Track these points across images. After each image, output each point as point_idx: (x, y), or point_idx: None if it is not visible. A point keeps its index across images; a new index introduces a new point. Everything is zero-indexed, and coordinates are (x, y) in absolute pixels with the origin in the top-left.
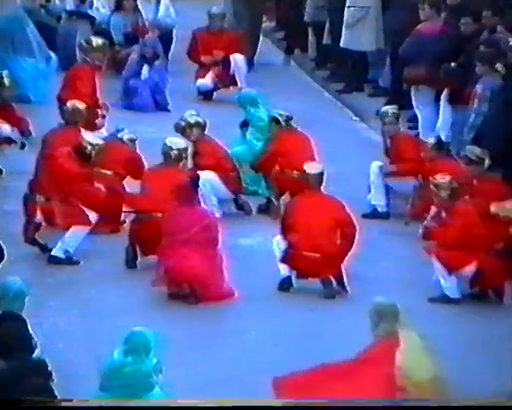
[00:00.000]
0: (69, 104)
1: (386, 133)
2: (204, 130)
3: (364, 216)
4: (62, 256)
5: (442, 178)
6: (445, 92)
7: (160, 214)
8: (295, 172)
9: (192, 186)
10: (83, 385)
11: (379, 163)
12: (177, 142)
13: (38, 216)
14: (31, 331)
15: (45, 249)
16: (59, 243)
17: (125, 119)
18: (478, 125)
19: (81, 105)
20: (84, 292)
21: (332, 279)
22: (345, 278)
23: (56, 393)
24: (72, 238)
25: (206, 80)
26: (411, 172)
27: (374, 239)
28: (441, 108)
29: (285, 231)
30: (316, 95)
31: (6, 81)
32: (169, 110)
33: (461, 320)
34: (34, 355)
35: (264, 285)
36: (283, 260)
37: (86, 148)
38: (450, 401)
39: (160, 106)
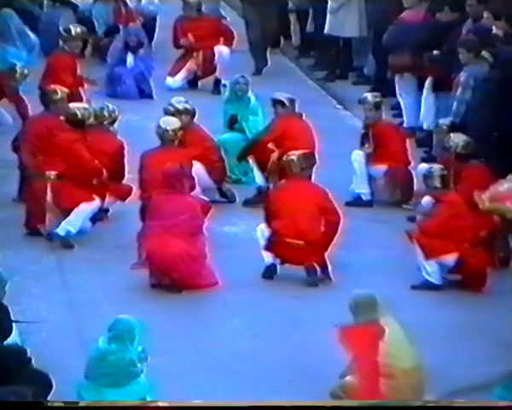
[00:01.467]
0: (50, 88)
1: (365, 120)
2: (193, 117)
3: (348, 204)
4: (62, 235)
5: (431, 167)
6: (428, 80)
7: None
8: None
9: (183, 173)
10: (67, 374)
11: (360, 152)
12: (172, 122)
13: (48, 195)
14: (12, 319)
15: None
16: (62, 223)
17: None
18: (461, 113)
19: (62, 89)
20: (68, 280)
21: (316, 267)
22: (329, 265)
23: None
24: (76, 217)
25: (177, 79)
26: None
27: (357, 227)
28: (424, 97)
29: (269, 219)
30: (300, 83)
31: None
32: (153, 98)
33: (444, 307)
34: (11, 341)
35: (248, 273)
36: (267, 247)
37: (77, 114)
38: (451, 402)
39: (145, 94)
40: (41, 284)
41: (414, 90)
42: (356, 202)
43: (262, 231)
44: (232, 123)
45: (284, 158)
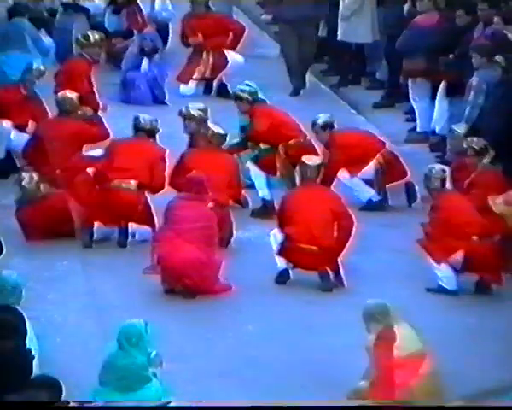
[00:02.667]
0: (60, 94)
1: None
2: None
3: (362, 209)
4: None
5: (432, 168)
6: (442, 85)
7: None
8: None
9: (205, 183)
10: (82, 379)
11: (347, 174)
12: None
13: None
14: (28, 325)
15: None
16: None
17: (122, 112)
18: (474, 118)
19: (72, 94)
20: (82, 285)
21: (329, 272)
22: (341, 271)
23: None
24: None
25: (190, 86)
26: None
27: (370, 232)
28: (437, 101)
29: (282, 224)
30: (312, 88)
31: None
32: (166, 104)
33: (458, 312)
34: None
35: (262, 278)
36: (280, 252)
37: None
38: (451, 402)
39: (158, 100)
40: (55, 290)
41: (427, 95)
42: (368, 206)
43: (275, 236)
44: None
45: (299, 164)
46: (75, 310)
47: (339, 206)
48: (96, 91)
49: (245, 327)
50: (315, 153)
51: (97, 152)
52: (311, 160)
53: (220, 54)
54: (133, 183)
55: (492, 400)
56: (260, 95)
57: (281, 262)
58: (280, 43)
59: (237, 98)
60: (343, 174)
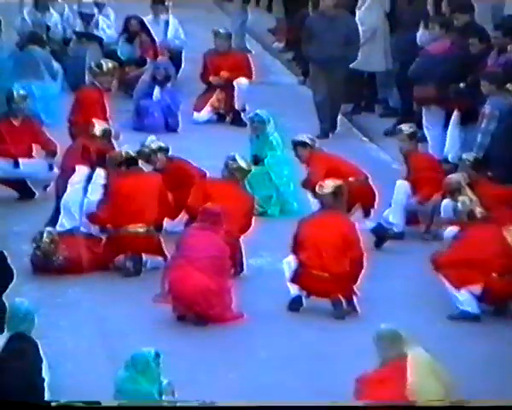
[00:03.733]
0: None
1: (401, 151)
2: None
3: (377, 240)
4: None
5: (462, 199)
6: (455, 113)
7: None
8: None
9: (221, 216)
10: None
11: (405, 182)
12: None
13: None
14: (41, 352)
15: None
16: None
17: (135, 139)
18: (485, 145)
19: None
20: (95, 312)
21: (342, 300)
22: (355, 298)
23: None
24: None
25: (203, 114)
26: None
27: (384, 258)
28: (450, 129)
29: (296, 250)
30: None
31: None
32: (177, 131)
33: (476, 339)
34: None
35: (275, 305)
36: (293, 279)
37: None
38: (451, 402)
39: (171, 128)
40: (67, 317)
41: (441, 123)
42: (385, 234)
43: (289, 263)
44: (256, 162)
45: (317, 189)
46: (86, 337)
47: (351, 234)
48: (109, 119)
49: (257, 354)
50: (372, 193)
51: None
52: (324, 186)
53: (231, 88)
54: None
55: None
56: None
57: (294, 289)
58: (311, 85)
59: (300, 145)
60: (403, 188)
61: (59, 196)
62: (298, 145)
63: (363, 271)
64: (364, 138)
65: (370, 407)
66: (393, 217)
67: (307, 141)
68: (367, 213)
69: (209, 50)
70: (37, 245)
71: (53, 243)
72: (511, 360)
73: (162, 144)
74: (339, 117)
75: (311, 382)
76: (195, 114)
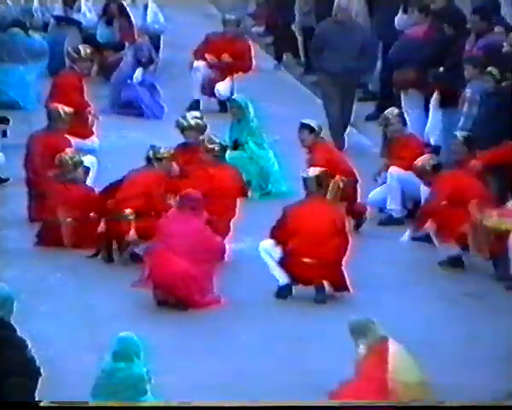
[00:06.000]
0: (53, 107)
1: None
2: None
3: (381, 223)
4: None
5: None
6: (434, 96)
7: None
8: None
9: (201, 201)
10: (74, 392)
11: (398, 169)
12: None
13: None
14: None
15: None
16: None
17: (114, 124)
18: (467, 128)
19: (67, 109)
20: (75, 298)
21: (325, 285)
22: (346, 279)
23: (44, 397)
24: None
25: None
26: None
27: (365, 243)
28: (431, 111)
29: (282, 237)
30: (305, 100)
31: None
32: (161, 117)
33: (455, 322)
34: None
35: (256, 290)
36: (282, 267)
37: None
38: (450, 402)
39: (152, 113)
40: (48, 303)
41: (420, 106)
42: (388, 221)
43: (268, 251)
44: (235, 147)
45: (302, 173)
46: (68, 323)
47: (339, 221)
48: (88, 104)
49: (238, 339)
50: (356, 196)
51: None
52: (309, 171)
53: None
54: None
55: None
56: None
57: (283, 278)
58: (322, 97)
59: (307, 128)
60: (396, 172)
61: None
62: (304, 128)
63: (349, 256)
64: None
65: (371, 407)
66: (391, 203)
67: (314, 126)
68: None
69: (214, 33)
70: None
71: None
72: (494, 344)
73: (200, 122)
74: (315, 100)
75: (291, 365)
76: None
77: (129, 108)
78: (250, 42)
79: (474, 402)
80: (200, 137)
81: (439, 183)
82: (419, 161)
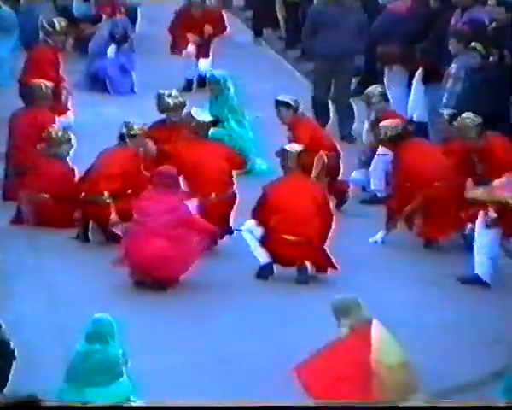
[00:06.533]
0: (35, 83)
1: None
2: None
3: (364, 202)
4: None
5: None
6: (418, 72)
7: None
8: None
9: (177, 178)
10: (48, 374)
11: (382, 148)
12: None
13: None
14: None
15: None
16: None
17: (89, 100)
18: (451, 105)
19: (49, 83)
20: (50, 278)
21: (308, 265)
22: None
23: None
24: None
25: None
26: None
27: (347, 222)
28: (413, 87)
29: (263, 215)
30: (287, 75)
31: None
32: (134, 92)
33: (440, 304)
34: None
35: (238, 271)
36: (263, 245)
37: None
38: (450, 402)
39: (126, 88)
40: (22, 284)
41: (403, 83)
42: (372, 200)
43: (250, 231)
44: (214, 124)
45: (287, 148)
46: (42, 304)
47: (321, 197)
48: (63, 79)
49: (217, 320)
50: (338, 171)
51: None
52: (290, 147)
53: None
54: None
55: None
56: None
57: (263, 257)
58: (314, 78)
59: (283, 105)
60: (381, 151)
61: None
62: (281, 105)
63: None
64: None
65: (371, 407)
66: (375, 183)
67: (291, 102)
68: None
69: (184, 6)
70: None
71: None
72: (477, 326)
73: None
74: (297, 75)
75: (272, 348)
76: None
77: (95, 82)
78: (220, 10)
79: (475, 402)
80: (183, 114)
81: (399, 158)
82: (381, 128)
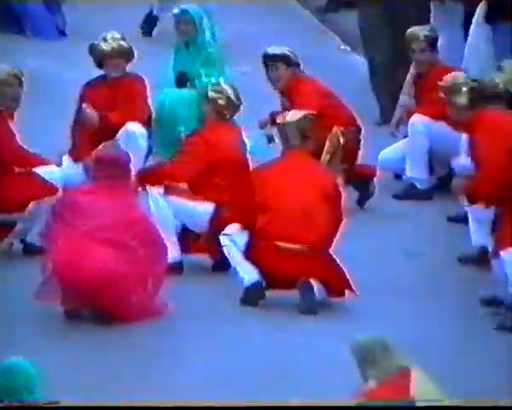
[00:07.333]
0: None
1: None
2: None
3: (396, 197)
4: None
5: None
6: (480, 6)
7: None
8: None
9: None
10: None
11: (424, 117)
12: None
13: None
14: None
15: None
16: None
17: (9, 48)
18: None
19: None
20: None
21: (313, 284)
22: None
23: None
24: None
25: None
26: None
27: (376, 227)
28: (471, 30)
29: None
30: (292, 14)
31: None
32: (66, 34)
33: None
34: None
35: (216, 295)
36: (248, 257)
37: None
38: (450, 402)
39: (52, 30)
40: None
41: (458, 23)
42: (408, 192)
43: (231, 238)
44: (181, 83)
45: (278, 120)
46: None
47: (332, 188)
48: None
49: (188, 363)
50: (357, 152)
51: None
52: (288, 115)
53: None
54: None
55: None
56: None
57: (250, 273)
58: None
59: (279, 59)
60: (421, 124)
61: None
62: (276, 60)
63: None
64: (344, 47)
65: (371, 407)
66: (413, 167)
67: (290, 55)
68: None
69: None
70: None
71: None
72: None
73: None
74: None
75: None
76: None
77: (12, 24)
78: None
79: (474, 402)
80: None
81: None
82: (447, 78)
